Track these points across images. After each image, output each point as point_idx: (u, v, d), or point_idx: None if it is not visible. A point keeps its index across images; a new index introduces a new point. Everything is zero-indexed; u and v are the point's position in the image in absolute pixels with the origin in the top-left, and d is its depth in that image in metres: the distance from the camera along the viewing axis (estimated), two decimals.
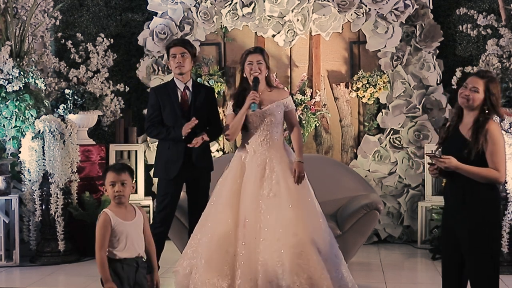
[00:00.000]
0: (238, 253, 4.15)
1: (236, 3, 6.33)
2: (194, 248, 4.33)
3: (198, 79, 6.47)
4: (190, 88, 4.77)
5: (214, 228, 4.26)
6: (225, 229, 4.23)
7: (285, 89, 6.51)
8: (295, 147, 4.46)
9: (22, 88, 5.92)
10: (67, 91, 6.18)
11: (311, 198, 4.40)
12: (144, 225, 3.48)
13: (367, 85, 6.49)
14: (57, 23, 6.64)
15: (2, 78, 5.86)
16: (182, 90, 4.75)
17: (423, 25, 6.42)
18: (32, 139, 5.66)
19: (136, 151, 6.61)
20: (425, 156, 6.01)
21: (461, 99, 3.55)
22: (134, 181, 3.54)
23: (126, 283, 3.35)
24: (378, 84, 6.49)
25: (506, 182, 5.31)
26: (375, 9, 6.30)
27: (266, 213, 4.20)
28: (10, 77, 5.85)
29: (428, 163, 3.66)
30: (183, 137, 4.61)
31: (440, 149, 3.68)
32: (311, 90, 6.63)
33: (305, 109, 6.53)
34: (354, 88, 6.56)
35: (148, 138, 6.60)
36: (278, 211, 4.20)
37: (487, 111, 3.49)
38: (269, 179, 4.30)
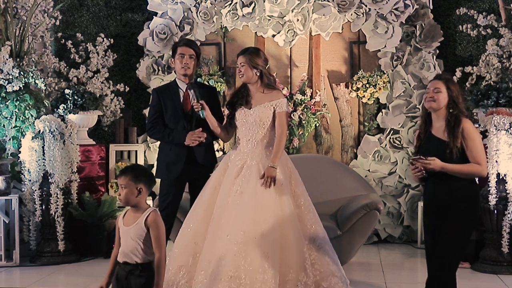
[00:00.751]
0: (203, 247, 4.28)
1: (236, 3, 6.33)
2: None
3: (198, 79, 6.46)
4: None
5: (190, 221, 4.43)
6: (198, 223, 4.38)
7: (285, 90, 6.52)
8: (273, 151, 4.40)
9: (22, 88, 5.92)
10: (67, 91, 6.18)
11: (283, 202, 4.33)
12: (151, 234, 3.31)
13: (367, 85, 6.49)
14: (57, 23, 6.64)
15: (2, 78, 5.85)
16: (184, 91, 4.74)
17: (423, 25, 6.41)
18: (32, 139, 5.65)
19: (136, 151, 6.61)
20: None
21: (427, 103, 3.68)
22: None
23: (120, 285, 3.36)
24: (378, 84, 6.49)
25: (506, 182, 5.31)
26: (375, 9, 6.30)
27: (228, 210, 4.28)
28: (10, 77, 5.85)
29: (410, 163, 3.76)
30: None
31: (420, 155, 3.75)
32: (311, 90, 6.63)
33: (305, 109, 6.53)
34: (354, 88, 6.56)
35: (148, 138, 6.59)
36: (237, 208, 4.25)
37: (451, 110, 3.63)
38: (242, 177, 4.36)
